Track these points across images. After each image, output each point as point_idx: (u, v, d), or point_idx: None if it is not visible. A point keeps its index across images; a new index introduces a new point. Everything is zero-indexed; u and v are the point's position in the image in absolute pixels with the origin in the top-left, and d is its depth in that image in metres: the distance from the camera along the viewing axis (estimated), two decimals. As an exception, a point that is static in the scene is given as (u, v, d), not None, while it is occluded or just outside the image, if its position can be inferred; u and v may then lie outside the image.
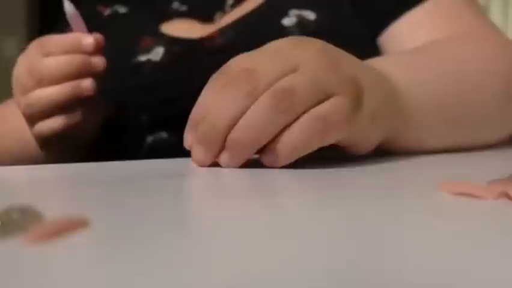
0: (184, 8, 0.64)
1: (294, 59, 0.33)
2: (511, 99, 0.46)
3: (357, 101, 0.33)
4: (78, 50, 0.48)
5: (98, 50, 0.49)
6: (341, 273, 0.12)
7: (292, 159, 0.32)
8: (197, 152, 0.34)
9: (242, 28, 0.57)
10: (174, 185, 0.28)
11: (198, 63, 0.56)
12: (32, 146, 0.54)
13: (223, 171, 0.33)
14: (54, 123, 0.49)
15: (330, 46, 0.35)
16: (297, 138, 0.32)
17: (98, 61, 0.49)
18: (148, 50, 0.59)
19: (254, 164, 0.35)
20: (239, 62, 0.33)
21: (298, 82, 0.32)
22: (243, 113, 0.31)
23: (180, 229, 0.17)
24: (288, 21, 0.55)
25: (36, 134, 0.51)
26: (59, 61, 0.47)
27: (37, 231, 0.16)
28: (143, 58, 0.59)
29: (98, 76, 0.49)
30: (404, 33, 0.54)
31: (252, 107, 0.31)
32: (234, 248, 0.15)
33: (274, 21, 0.56)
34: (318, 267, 0.13)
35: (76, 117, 0.50)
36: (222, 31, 0.58)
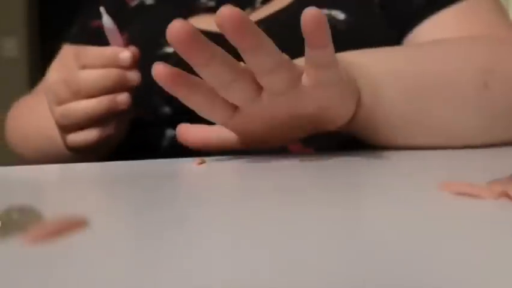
0: (212, 3, 0.64)
1: None
2: (487, 87, 0.45)
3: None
4: (115, 64, 0.48)
5: (134, 64, 0.49)
6: (340, 274, 0.12)
7: None
8: None
9: (272, 25, 0.57)
10: (174, 185, 0.28)
11: None
12: (60, 144, 0.55)
13: (223, 172, 0.33)
14: (88, 135, 0.50)
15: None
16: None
17: (134, 76, 0.50)
18: None
19: (254, 164, 0.35)
20: None
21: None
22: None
23: (180, 229, 0.17)
24: None
25: (69, 143, 0.51)
26: (97, 74, 0.48)
27: (37, 231, 0.16)
28: (169, 49, 0.58)
29: (132, 90, 0.50)
30: (428, 35, 0.54)
31: None
32: (234, 248, 0.15)
33: None
34: (318, 268, 0.13)
35: (110, 129, 0.51)
36: None
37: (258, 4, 0.62)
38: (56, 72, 0.50)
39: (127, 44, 0.51)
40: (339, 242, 0.15)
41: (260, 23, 0.58)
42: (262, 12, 0.60)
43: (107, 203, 0.23)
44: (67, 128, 0.50)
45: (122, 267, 0.13)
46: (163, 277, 0.12)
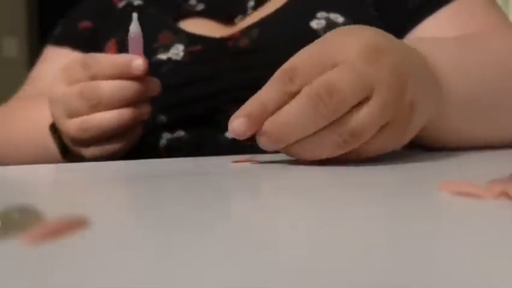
0: (201, 6, 0.63)
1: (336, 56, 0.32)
2: None
3: (398, 92, 0.32)
4: (128, 72, 0.46)
5: (146, 72, 0.47)
6: (341, 274, 0.12)
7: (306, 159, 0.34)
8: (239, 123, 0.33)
9: (268, 29, 0.56)
10: (174, 185, 0.28)
11: (221, 63, 0.55)
12: (54, 152, 0.54)
13: (223, 172, 0.33)
14: (110, 148, 0.49)
15: (379, 34, 0.34)
16: (317, 148, 0.32)
17: (155, 86, 0.49)
18: (167, 47, 0.58)
19: (256, 164, 0.35)
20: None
21: (337, 78, 0.31)
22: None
23: (180, 229, 0.17)
24: (317, 24, 0.55)
25: (88, 155, 0.50)
26: (119, 85, 0.46)
27: (37, 231, 0.16)
28: (163, 56, 0.58)
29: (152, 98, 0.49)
30: (432, 33, 0.53)
31: (290, 103, 0.32)
32: (234, 248, 0.15)
33: (303, 23, 0.55)
34: (318, 267, 0.13)
35: (130, 137, 0.50)
36: (245, 31, 0.57)
37: (249, 10, 0.61)
38: (63, 83, 0.47)
39: (106, 24, 0.50)
40: (337, 241, 0.15)
41: (254, 27, 0.57)
42: (256, 16, 0.59)
43: (107, 203, 0.23)
44: (88, 141, 0.48)
45: (122, 267, 0.13)
46: (163, 277, 0.12)
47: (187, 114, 0.55)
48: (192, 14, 0.63)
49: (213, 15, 0.62)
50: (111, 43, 0.51)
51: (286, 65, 0.33)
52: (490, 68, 0.43)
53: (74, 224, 0.17)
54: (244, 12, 0.61)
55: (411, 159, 0.36)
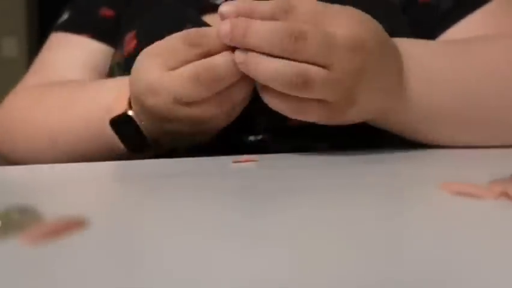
0: (220, 1, 0.58)
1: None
2: None
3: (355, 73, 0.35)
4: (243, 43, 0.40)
5: None
6: (341, 273, 0.12)
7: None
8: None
9: None
10: (174, 185, 0.28)
11: None
12: (110, 137, 0.46)
13: (222, 172, 0.33)
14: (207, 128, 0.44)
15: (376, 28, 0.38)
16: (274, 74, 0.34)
17: None
18: None
19: (257, 164, 0.35)
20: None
21: (313, 31, 0.34)
22: None
23: (180, 229, 0.17)
24: None
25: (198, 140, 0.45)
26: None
27: (37, 231, 0.16)
28: None
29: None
30: (464, 35, 0.51)
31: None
32: (234, 248, 0.15)
33: None
34: (318, 267, 0.13)
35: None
36: None
37: None
38: (159, 67, 0.40)
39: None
40: (339, 243, 0.15)
41: None
42: None
43: (107, 203, 0.23)
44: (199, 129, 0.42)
45: (121, 267, 0.13)
46: (163, 277, 0.12)
47: None
48: (212, 7, 0.57)
49: None
50: (131, 35, 0.49)
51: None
52: (473, 76, 0.43)
53: (74, 224, 0.17)
54: None
55: (411, 159, 0.36)
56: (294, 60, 0.34)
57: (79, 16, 0.65)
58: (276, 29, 0.34)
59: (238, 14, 0.36)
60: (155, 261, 0.13)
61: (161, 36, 0.44)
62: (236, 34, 0.35)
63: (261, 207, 0.21)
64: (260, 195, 0.25)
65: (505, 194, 0.20)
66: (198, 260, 0.13)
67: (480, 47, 0.46)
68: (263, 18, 0.35)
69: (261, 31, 0.35)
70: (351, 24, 0.36)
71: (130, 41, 0.52)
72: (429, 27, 0.53)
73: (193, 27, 0.46)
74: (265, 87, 0.37)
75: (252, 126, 0.46)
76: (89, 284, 0.12)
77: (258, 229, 0.17)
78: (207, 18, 0.57)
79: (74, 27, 0.64)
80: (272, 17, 0.35)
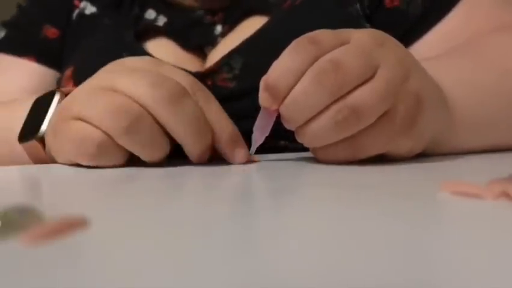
0: (163, 20, 0.55)
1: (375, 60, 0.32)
2: None
3: (402, 75, 0.32)
4: None
5: None
6: (342, 273, 0.12)
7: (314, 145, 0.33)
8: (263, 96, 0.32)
9: (251, 51, 0.49)
10: (174, 185, 0.28)
11: None
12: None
13: (222, 172, 0.33)
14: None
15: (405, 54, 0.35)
16: (320, 130, 0.31)
17: None
18: None
19: (257, 164, 0.35)
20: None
21: (343, 54, 0.31)
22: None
23: (180, 229, 0.17)
24: None
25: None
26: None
27: (37, 231, 0.16)
28: None
29: None
30: (437, 44, 0.50)
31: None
32: (233, 248, 0.15)
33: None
34: (317, 268, 0.13)
35: None
36: (222, 61, 0.49)
37: (218, 39, 0.54)
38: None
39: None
40: (339, 243, 0.15)
41: (235, 52, 0.49)
42: (228, 43, 0.52)
43: (107, 203, 0.23)
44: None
45: (121, 267, 0.13)
46: (163, 277, 0.12)
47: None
48: (153, 30, 0.54)
49: (177, 38, 0.54)
50: (69, 72, 0.46)
51: (304, 36, 0.32)
52: (491, 81, 0.42)
53: (74, 224, 0.17)
54: (212, 42, 0.54)
55: (411, 159, 0.36)
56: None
57: (20, 35, 0.60)
58: (307, 83, 0.31)
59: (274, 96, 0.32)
60: (155, 261, 0.13)
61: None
62: (287, 122, 0.32)
63: (261, 207, 0.21)
64: (260, 195, 0.25)
65: (504, 194, 0.20)
66: (198, 260, 0.13)
67: (492, 48, 0.44)
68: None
69: (297, 98, 0.31)
70: (365, 31, 0.34)
71: (67, 80, 0.50)
72: (400, 32, 0.49)
73: (130, 55, 0.41)
74: (315, 149, 0.34)
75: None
76: (89, 284, 0.12)
77: (258, 229, 0.17)
78: (148, 45, 0.53)
79: (15, 48, 0.59)
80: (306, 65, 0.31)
